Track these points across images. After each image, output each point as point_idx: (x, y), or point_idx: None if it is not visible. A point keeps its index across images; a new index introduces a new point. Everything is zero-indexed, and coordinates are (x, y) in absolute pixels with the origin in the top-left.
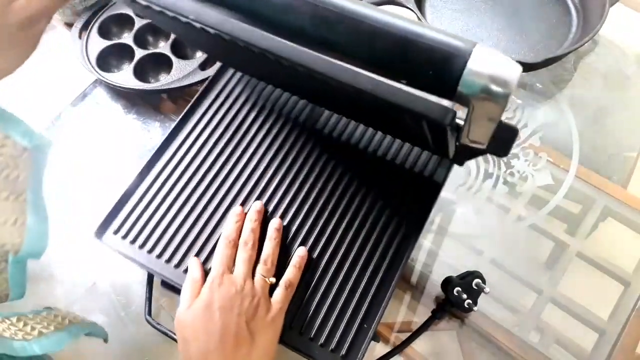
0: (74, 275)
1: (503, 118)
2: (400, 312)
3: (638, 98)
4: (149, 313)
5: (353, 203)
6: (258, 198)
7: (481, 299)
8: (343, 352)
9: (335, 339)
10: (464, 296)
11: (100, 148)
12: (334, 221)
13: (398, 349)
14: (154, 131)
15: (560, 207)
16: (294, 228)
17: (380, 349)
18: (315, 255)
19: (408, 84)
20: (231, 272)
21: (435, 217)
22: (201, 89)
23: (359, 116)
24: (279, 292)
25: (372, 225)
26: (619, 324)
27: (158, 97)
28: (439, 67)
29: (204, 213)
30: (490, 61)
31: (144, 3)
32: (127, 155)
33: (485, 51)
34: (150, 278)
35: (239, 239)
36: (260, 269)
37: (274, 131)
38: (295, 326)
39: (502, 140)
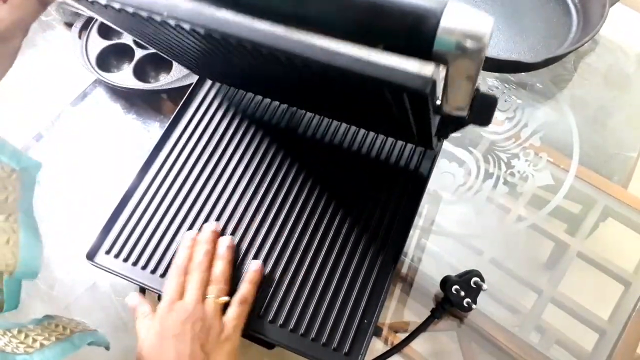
0: (74, 275)
1: (502, 118)
2: (400, 312)
3: (638, 98)
4: None
5: (342, 203)
6: (247, 205)
7: (481, 299)
8: (346, 349)
9: (337, 338)
10: (462, 294)
11: (100, 148)
12: (325, 222)
13: (396, 348)
14: (154, 131)
15: (560, 207)
16: (286, 231)
17: (379, 348)
18: (310, 256)
19: (385, 48)
20: (182, 298)
21: (436, 217)
22: (180, 104)
23: (339, 110)
24: (232, 310)
25: (364, 222)
26: (620, 324)
27: (158, 97)
28: (413, 29)
29: (194, 225)
30: (462, 18)
31: (117, 6)
32: (127, 156)
33: (457, 8)
34: None
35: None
36: (210, 289)
37: (257, 139)
38: (296, 329)
39: (483, 109)
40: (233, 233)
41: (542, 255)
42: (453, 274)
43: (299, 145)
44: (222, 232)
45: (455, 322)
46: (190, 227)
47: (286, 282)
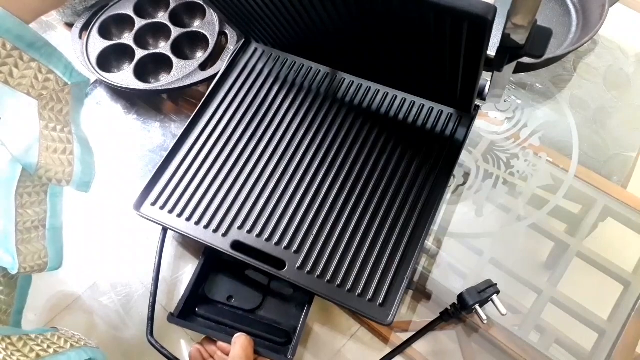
0: (74, 275)
1: (502, 118)
2: (399, 311)
3: (638, 98)
4: (151, 333)
5: (379, 165)
6: (288, 162)
7: None
8: (380, 300)
9: (372, 289)
10: (479, 309)
11: (100, 148)
12: (362, 180)
13: (404, 345)
14: (154, 131)
15: (560, 207)
16: (323, 191)
17: (380, 348)
18: (347, 211)
19: None
20: None
21: (436, 217)
22: (224, 66)
23: (384, 65)
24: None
25: (400, 182)
26: (619, 324)
27: (158, 98)
28: None
29: (237, 180)
30: None
31: None
32: (127, 156)
33: None
34: (154, 295)
35: None
36: None
37: (297, 102)
38: (333, 280)
39: (539, 38)
40: (274, 189)
41: (542, 255)
42: (454, 274)
43: (338, 109)
44: (264, 187)
45: (455, 322)
46: (234, 182)
47: (324, 235)
